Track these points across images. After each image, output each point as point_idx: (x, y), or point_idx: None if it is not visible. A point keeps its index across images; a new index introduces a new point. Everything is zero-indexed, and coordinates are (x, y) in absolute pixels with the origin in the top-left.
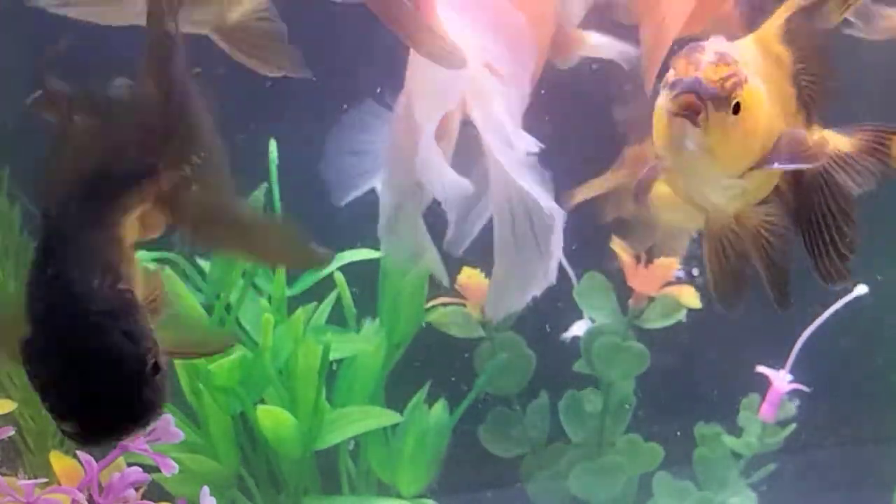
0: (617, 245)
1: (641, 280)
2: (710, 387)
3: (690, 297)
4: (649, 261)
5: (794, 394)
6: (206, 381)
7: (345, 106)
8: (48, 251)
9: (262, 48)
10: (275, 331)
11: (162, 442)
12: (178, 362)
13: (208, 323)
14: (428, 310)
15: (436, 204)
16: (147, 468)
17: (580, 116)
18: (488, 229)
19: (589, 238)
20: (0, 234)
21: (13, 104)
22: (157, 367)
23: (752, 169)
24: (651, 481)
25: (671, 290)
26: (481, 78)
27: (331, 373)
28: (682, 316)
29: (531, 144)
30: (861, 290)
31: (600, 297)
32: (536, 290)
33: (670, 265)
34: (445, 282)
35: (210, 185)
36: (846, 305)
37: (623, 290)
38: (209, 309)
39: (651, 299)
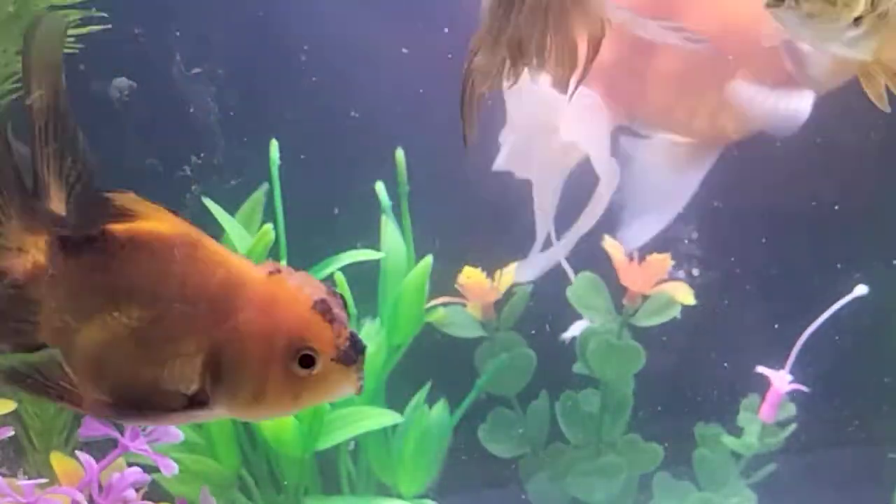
0: (609, 244)
1: (635, 278)
2: (710, 387)
3: (684, 294)
4: (642, 258)
5: (793, 394)
6: None
7: (353, 113)
8: None
9: None
10: None
11: (162, 442)
12: None
13: None
14: (428, 310)
15: None
16: (147, 468)
17: None
18: (486, 225)
19: (582, 238)
20: None
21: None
22: None
23: None
24: (651, 481)
25: (665, 287)
26: None
27: None
28: (676, 312)
29: None
30: (861, 290)
31: (594, 296)
32: None
33: (663, 262)
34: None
35: None
36: (846, 305)
37: (617, 289)
38: None
39: (645, 297)
